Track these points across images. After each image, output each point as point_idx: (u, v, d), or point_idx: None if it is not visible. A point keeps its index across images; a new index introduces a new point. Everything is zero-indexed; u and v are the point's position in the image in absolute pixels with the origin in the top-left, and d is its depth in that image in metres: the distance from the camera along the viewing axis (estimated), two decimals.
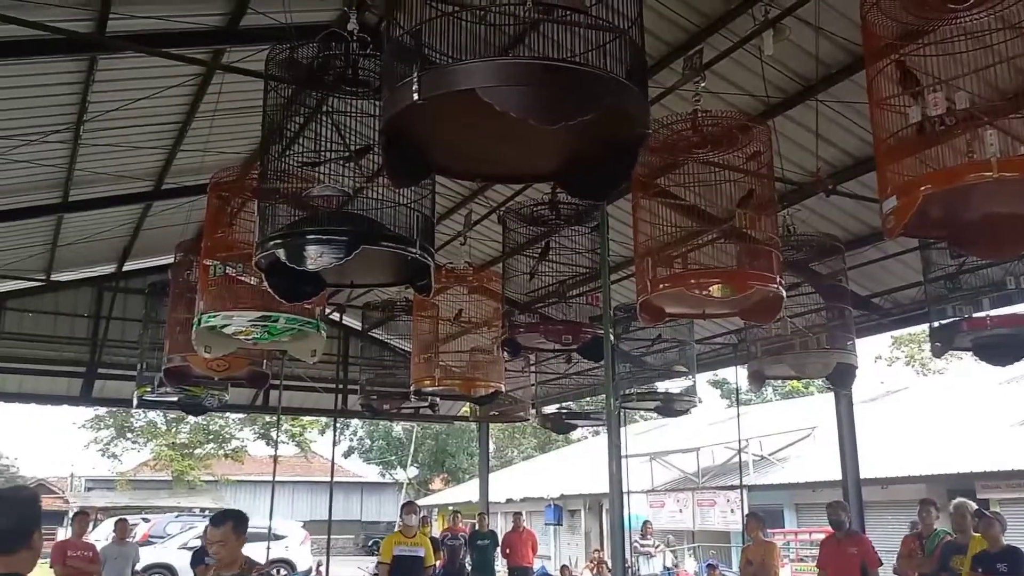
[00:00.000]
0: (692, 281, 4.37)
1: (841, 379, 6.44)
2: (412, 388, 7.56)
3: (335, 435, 16.01)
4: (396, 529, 9.26)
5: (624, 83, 2.44)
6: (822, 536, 16.32)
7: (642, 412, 41.93)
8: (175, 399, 8.77)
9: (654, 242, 4.77)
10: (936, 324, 5.90)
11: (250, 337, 4.83)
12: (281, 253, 3.64)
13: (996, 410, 18.06)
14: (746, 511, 12.09)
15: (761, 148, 4.79)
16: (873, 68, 3.68)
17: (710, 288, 4.28)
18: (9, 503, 2.72)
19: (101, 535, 15.84)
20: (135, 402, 9.29)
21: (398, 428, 42.20)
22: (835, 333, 6.48)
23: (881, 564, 8.06)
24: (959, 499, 8.11)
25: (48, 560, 9.36)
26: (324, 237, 3.56)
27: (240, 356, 6.12)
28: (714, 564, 13.51)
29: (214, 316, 4.78)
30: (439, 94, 2.33)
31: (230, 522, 3.97)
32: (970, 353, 6.00)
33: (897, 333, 37.34)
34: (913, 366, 37.25)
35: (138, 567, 11.96)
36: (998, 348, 5.63)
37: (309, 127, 4.21)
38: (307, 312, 4.94)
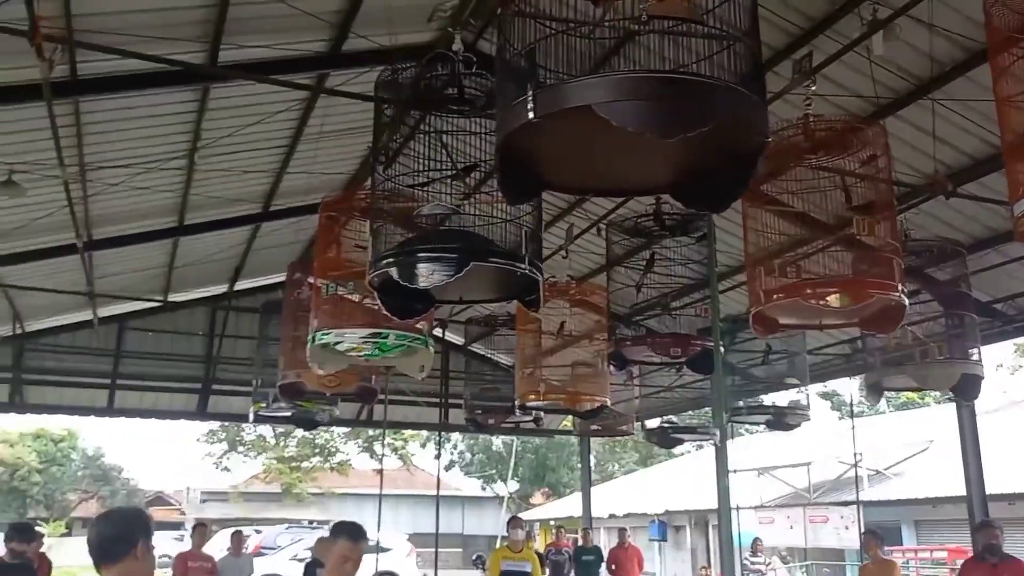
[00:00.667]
0: (808, 291, 4.22)
1: (966, 390, 6.11)
2: (517, 403, 7.57)
3: (440, 449, 16.19)
4: (503, 544, 9.24)
5: (743, 92, 2.38)
6: (944, 554, 15.63)
7: (747, 426, 40.99)
8: (288, 414, 9.05)
9: (765, 252, 4.64)
10: None
11: (362, 354, 4.94)
12: (394, 272, 3.70)
13: None
14: (862, 527, 11.62)
15: (877, 152, 4.61)
16: (998, 64, 3.50)
17: (827, 298, 4.13)
18: (115, 514, 2.97)
19: (215, 547, 16.43)
20: (251, 417, 9.63)
21: (498, 442, 42.40)
22: (958, 342, 6.16)
23: None
24: None
25: (170, 572, 9.77)
26: (435, 255, 3.61)
27: (351, 372, 6.25)
28: None
29: (327, 334, 4.90)
30: (554, 111, 2.33)
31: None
32: None
33: (1022, 340, 35.36)
34: None
35: None
36: None
37: (416, 146, 4.27)
38: (415, 328, 5.01)
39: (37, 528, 7.32)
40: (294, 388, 6.81)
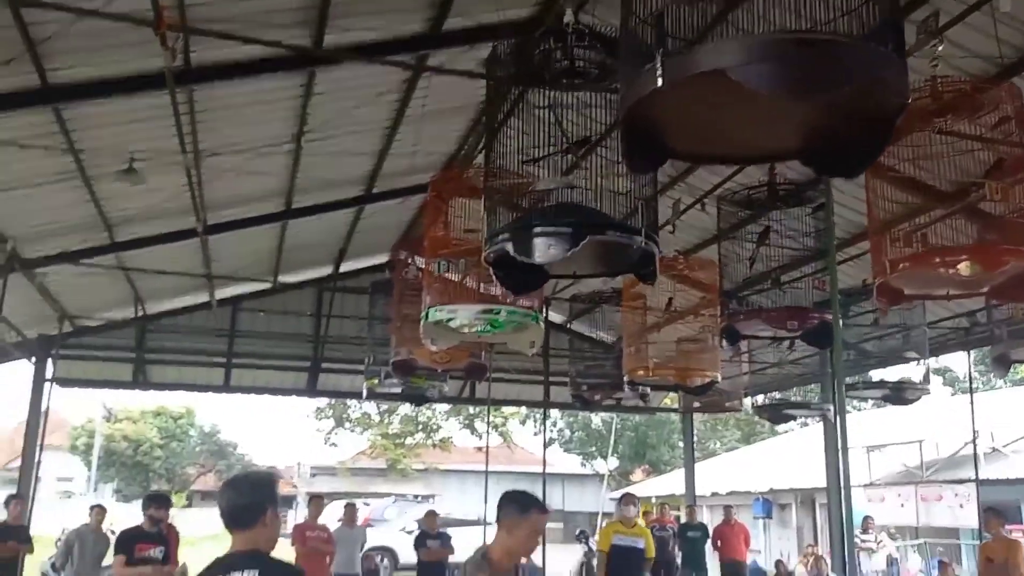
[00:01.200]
0: (937, 260, 4.04)
1: None
2: (626, 378, 7.53)
3: (544, 426, 16.30)
4: (614, 519, 9.11)
5: (882, 51, 2.28)
6: None
7: (856, 402, 39.87)
8: (399, 390, 9.25)
9: (890, 221, 4.45)
10: None
11: (474, 330, 5.00)
12: (510, 247, 3.72)
13: None
14: (978, 505, 11.15)
15: (1010, 113, 4.36)
16: None
17: (958, 266, 3.94)
18: (245, 481, 3.05)
19: (326, 519, 17.01)
20: (364, 393, 9.87)
21: (597, 419, 42.38)
22: None
23: None
24: None
25: (289, 540, 10.18)
26: (552, 230, 3.61)
27: (461, 349, 6.34)
28: (946, 561, 12.56)
29: (440, 310, 4.98)
30: (685, 77, 2.28)
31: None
32: None
33: None
34: None
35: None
36: None
37: (526, 122, 4.27)
38: (526, 305, 5.04)
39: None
40: (406, 365, 6.96)
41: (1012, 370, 8.15)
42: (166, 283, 12.17)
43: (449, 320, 4.99)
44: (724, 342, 6.39)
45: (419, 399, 9.98)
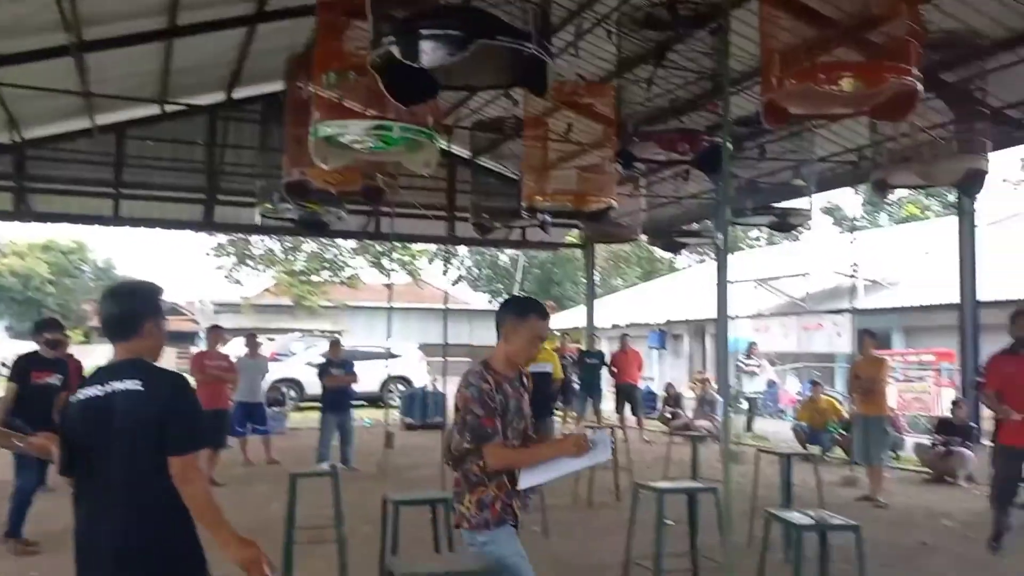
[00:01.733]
0: (821, 75, 4.12)
1: (970, 186, 6.09)
2: (524, 204, 7.58)
3: (448, 261, 16.33)
4: None
5: None
6: (931, 357, 16.20)
7: (749, 240, 41.28)
8: (295, 217, 9.07)
9: (782, 42, 4.47)
10: None
11: (365, 146, 4.89)
12: (396, 49, 3.60)
13: None
14: (855, 334, 11.98)
15: None
16: None
17: (841, 82, 4.03)
18: (124, 291, 2.93)
19: (232, 352, 17.08)
20: (257, 219, 9.66)
21: (504, 257, 43.03)
22: (966, 137, 6.07)
23: None
24: None
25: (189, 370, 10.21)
26: (439, 32, 3.49)
27: (355, 169, 6.22)
28: (817, 382, 13.59)
29: (329, 126, 4.84)
30: None
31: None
32: None
33: None
34: None
35: (267, 379, 12.91)
36: None
37: None
38: (421, 121, 4.94)
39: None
40: (299, 187, 6.80)
41: (890, 194, 8.54)
42: (43, 105, 11.40)
43: (339, 136, 4.86)
44: (619, 166, 6.47)
45: (316, 226, 9.79)
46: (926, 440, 11.48)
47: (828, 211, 38.14)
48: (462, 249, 41.26)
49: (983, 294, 11.87)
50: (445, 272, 41.02)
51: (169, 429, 2.61)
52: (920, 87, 4.19)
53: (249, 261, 33.47)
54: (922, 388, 15.60)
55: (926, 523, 7.96)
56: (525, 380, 3.54)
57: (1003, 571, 6.03)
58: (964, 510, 8.51)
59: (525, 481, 3.37)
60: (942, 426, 10.88)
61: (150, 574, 2.64)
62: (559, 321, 30.27)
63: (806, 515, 4.31)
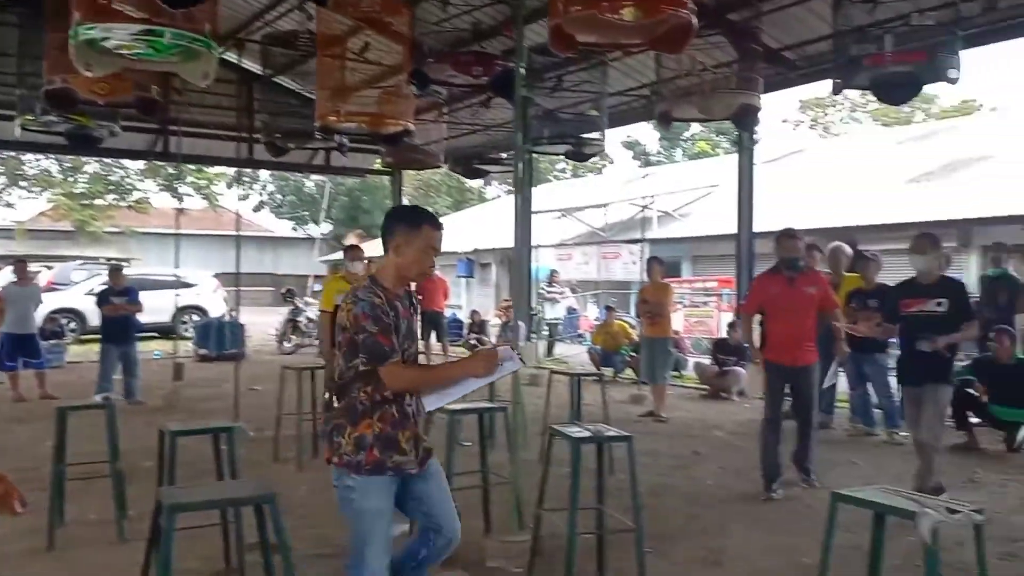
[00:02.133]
0: (604, 3, 4.20)
1: (744, 121, 6.50)
2: (317, 124, 7.30)
3: (239, 182, 15.55)
4: (339, 275, 8.14)
5: None
6: (714, 283, 17.48)
7: (556, 172, 42.09)
8: (61, 130, 8.25)
9: None
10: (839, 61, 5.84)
11: (133, 53, 4.48)
12: None
13: (889, 170, 18.87)
14: (642, 259, 12.65)
15: None
16: None
17: (622, 11, 4.13)
18: None
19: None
20: (17, 131, 8.71)
21: (310, 183, 41.73)
22: (742, 75, 6.46)
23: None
24: (836, 242, 8.54)
25: None
26: None
27: (126, 79, 5.72)
28: (612, 307, 14.30)
29: (92, 28, 4.39)
30: None
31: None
32: (869, 91, 6.07)
33: (805, 96, 37.89)
34: (817, 129, 38.19)
35: (43, 310, 11.92)
36: (895, 85, 5.72)
37: None
38: (196, 29, 4.58)
39: None
40: (63, 96, 6.17)
41: (672, 132, 8.86)
42: None
43: (103, 40, 4.43)
44: (414, 87, 6.37)
45: (85, 140, 8.96)
46: (706, 360, 12.42)
47: (628, 145, 39.75)
48: (264, 174, 39.66)
49: (759, 225, 12.83)
50: (245, 198, 39.31)
51: None
52: (695, 20, 4.38)
53: (22, 182, 30.47)
54: (705, 312, 16.83)
55: (701, 434, 8.65)
56: (415, 300, 3.31)
57: (757, 479, 6.67)
58: (734, 422, 9.33)
59: (431, 404, 3.17)
60: (719, 347, 11.80)
61: None
62: (368, 250, 29.92)
63: (586, 429, 4.53)
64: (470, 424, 5.50)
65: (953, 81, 5.43)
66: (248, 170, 35.93)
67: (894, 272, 14.36)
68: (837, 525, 3.33)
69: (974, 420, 7.72)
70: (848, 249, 8.06)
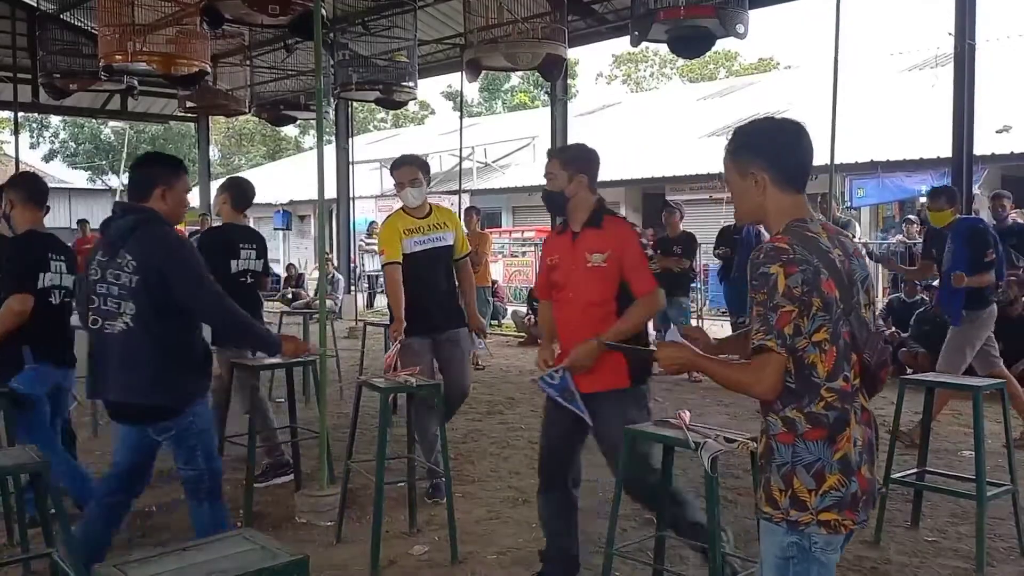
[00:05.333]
0: None
1: (550, 70, 6.59)
2: (101, 64, 6.71)
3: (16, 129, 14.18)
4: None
5: None
6: (532, 233, 17.84)
7: (376, 123, 41.38)
8: None
9: None
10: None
11: None
12: None
13: (691, 124, 19.85)
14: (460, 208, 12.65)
15: None
16: None
17: None
18: None
19: None
20: None
21: (108, 130, 38.77)
22: (550, 27, 6.52)
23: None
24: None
25: None
26: None
27: None
28: None
29: None
30: None
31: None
32: (665, 44, 6.31)
33: (617, 51, 39.07)
34: (629, 84, 39.55)
35: None
36: (689, 39, 5.97)
37: None
38: None
39: None
40: None
41: (484, 75, 8.83)
42: None
43: None
44: (207, 25, 5.98)
45: None
46: (523, 308, 12.71)
47: (449, 96, 39.57)
48: (55, 119, 36.51)
49: None
50: (34, 146, 36.07)
51: None
52: None
53: None
54: (524, 262, 17.17)
55: (517, 380, 8.86)
56: None
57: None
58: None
59: None
60: (532, 295, 12.09)
61: None
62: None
63: (394, 381, 4.49)
64: (279, 379, 5.35)
65: (741, 36, 5.73)
66: (35, 115, 32.94)
67: (692, 220, 15.23)
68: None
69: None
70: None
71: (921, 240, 9.09)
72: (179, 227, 3.75)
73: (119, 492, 3.38)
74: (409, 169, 4.80)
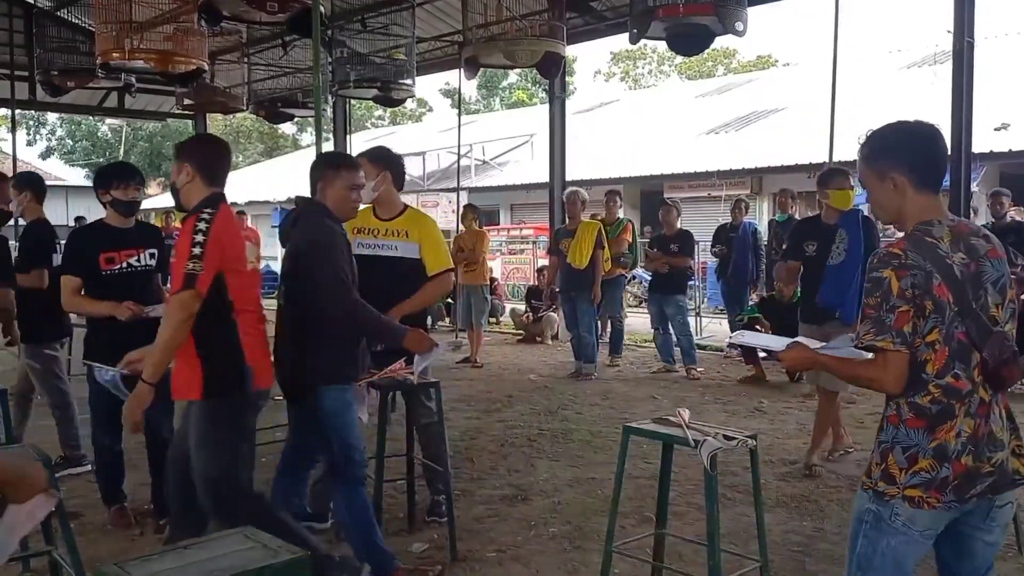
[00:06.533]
0: None
1: (548, 68, 6.58)
2: (99, 62, 6.70)
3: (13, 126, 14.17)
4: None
5: None
6: (531, 231, 17.83)
7: (374, 120, 41.34)
8: None
9: None
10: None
11: None
12: None
13: (690, 121, 19.85)
14: (457, 207, 12.66)
15: None
16: None
17: None
18: None
19: None
20: None
21: (105, 127, 38.72)
22: (548, 24, 6.51)
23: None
24: (572, 188, 8.91)
25: None
26: None
27: None
28: None
29: None
30: None
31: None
32: (664, 41, 6.30)
33: (615, 48, 39.06)
34: (627, 81, 39.53)
35: None
36: (687, 36, 5.96)
37: None
38: None
39: None
40: None
41: (482, 72, 8.81)
42: None
43: None
44: (205, 22, 5.96)
45: None
46: (521, 306, 12.70)
47: (447, 93, 39.55)
48: (52, 117, 36.46)
49: (572, 174, 13.17)
50: (31, 143, 36.02)
51: None
52: None
53: None
54: (522, 260, 17.17)
55: (515, 378, 8.85)
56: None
57: (566, 417, 6.92)
58: (547, 365, 9.61)
59: None
60: (531, 293, 12.08)
61: None
62: (169, 200, 28.24)
63: (395, 378, 4.49)
64: None
65: (740, 33, 5.72)
66: (32, 112, 32.87)
67: (693, 217, 15.25)
68: (634, 456, 3.50)
69: (761, 354, 8.31)
70: (584, 194, 8.49)
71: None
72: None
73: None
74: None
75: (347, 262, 3.41)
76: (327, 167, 3.57)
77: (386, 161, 4.08)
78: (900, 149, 2.23)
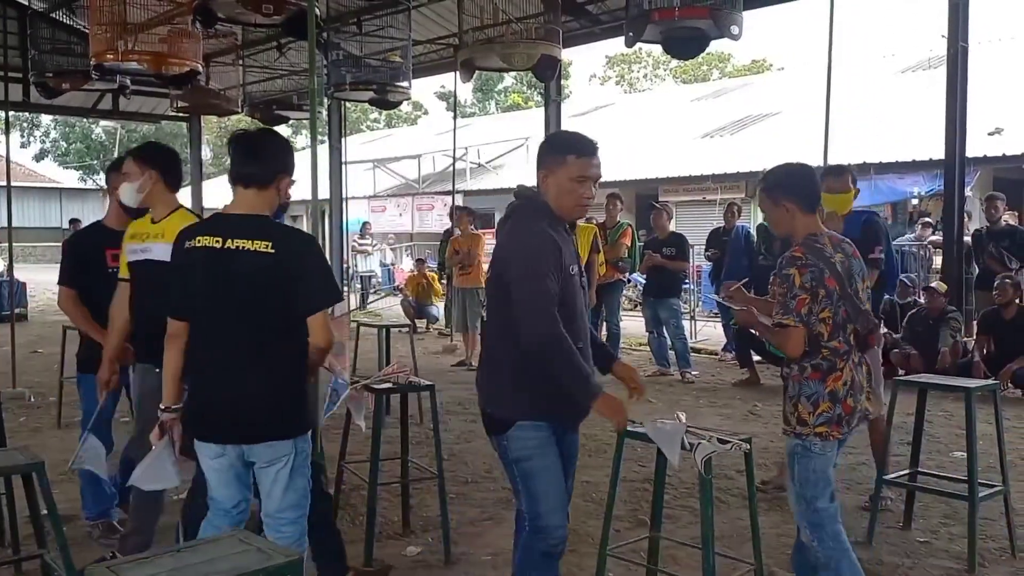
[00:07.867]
0: None
1: (544, 71, 6.58)
2: (92, 63, 6.68)
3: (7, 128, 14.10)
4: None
5: None
6: None
7: (369, 123, 41.31)
8: None
9: None
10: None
11: None
12: None
13: (685, 125, 19.88)
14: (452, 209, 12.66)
15: None
16: None
17: None
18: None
19: None
20: None
21: (99, 130, 38.64)
22: (544, 27, 6.52)
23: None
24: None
25: None
26: None
27: None
28: (423, 259, 14.31)
29: None
30: None
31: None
32: (659, 45, 6.32)
33: (611, 52, 39.12)
34: (623, 85, 39.59)
35: None
36: (683, 40, 5.98)
37: None
38: None
39: None
40: None
41: (477, 75, 8.83)
42: None
43: None
44: (199, 24, 5.95)
45: None
46: None
47: (443, 96, 39.57)
48: (46, 119, 36.38)
49: None
50: (25, 145, 35.92)
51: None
52: None
53: None
54: None
55: None
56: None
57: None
58: None
59: None
60: None
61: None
62: None
63: (389, 381, 4.48)
64: None
65: (735, 37, 5.73)
66: (26, 114, 32.82)
67: (686, 221, 15.28)
68: (629, 459, 3.49)
69: (756, 358, 8.32)
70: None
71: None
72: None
73: None
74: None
75: (559, 279, 2.77)
76: (550, 152, 2.92)
77: (153, 160, 3.66)
78: (791, 184, 3.06)
